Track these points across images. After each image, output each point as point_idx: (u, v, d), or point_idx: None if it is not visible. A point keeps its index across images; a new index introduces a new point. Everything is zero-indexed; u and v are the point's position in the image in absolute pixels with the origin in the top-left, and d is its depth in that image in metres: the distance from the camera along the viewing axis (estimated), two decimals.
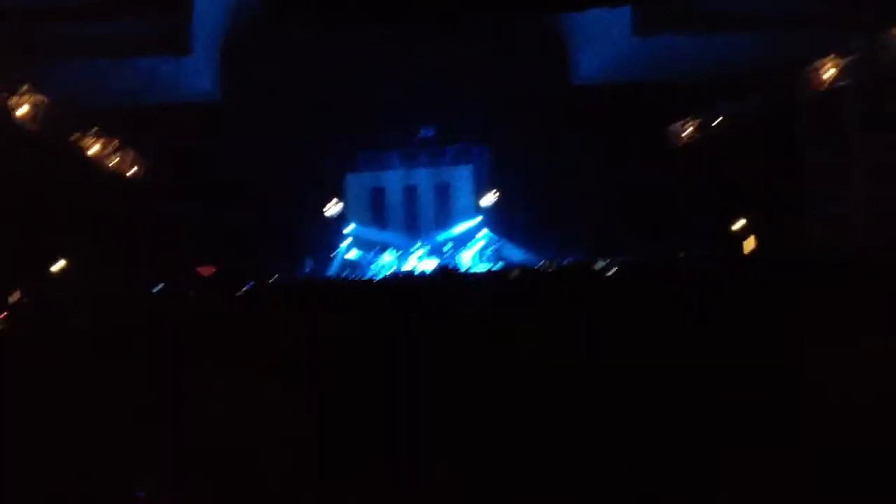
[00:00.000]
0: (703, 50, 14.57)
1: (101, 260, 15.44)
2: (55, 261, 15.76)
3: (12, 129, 13.96)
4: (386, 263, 20.31)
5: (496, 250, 20.51)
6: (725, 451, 2.82)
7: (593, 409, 3.22)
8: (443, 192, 21.63)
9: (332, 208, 20.88)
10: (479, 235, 20.84)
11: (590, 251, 16.08)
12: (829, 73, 14.72)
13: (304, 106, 17.43)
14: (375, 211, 21.59)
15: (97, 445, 3.19)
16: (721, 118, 17.22)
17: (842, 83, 14.63)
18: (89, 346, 4.57)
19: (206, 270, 17.09)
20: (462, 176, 21.63)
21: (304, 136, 18.00)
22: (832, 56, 14.65)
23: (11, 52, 13.06)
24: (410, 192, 21.58)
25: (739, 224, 17.23)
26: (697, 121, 18.17)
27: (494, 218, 20.92)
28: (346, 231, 20.99)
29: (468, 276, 12.35)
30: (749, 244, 16.73)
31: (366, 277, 18.35)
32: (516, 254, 20.09)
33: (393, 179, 21.58)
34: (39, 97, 14.34)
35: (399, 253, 20.57)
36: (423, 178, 21.55)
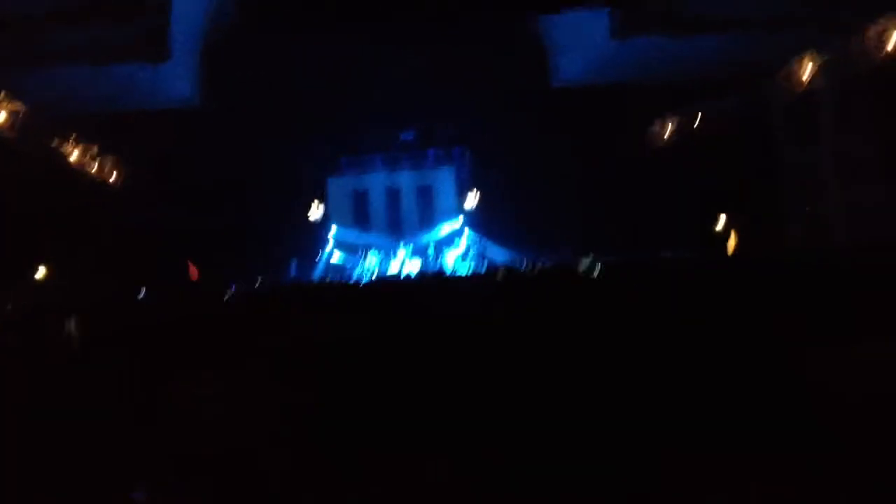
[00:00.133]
0: (682, 52, 14.68)
1: (82, 267, 15.34)
2: (37, 268, 15.65)
3: None
4: (370, 266, 20.32)
5: (480, 251, 20.57)
6: (714, 450, 2.85)
7: (582, 409, 3.25)
8: (425, 195, 21.68)
9: (315, 212, 20.88)
10: (462, 237, 20.92)
11: (572, 251, 16.16)
12: (806, 73, 14.88)
13: (285, 110, 17.39)
14: (358, 214, 21.61)
15: (89, 452, 3.19)
16: (700, 119, 17.35)
17: (819, 84, 14.78)
18: (78, 352, 4.56)
19: (193, 271, 17.04)
20: (444, 178, 21.70)
21: (285, 141, 17.98)
22: (809, 56, 14.80)
23: None
24: (393, 195, 21.62)
25: (719, 224, 17.37)
26: (677, 122, 18.30)
27: (477, 219, 20.99)
28: (329, 234, 21.00)
29: (453, 278, 12.39)
30: (731, 244, 16.87)
31: (350, 280, 18.37)
32: (500, 254, 20.16)
33: (375, 182, 21.61)
34: (17, 105, 14.24)
35: (382, 255, 20.59)
36: (405, 180, 21.59)
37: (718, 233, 17.34)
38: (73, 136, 16.28)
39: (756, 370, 3.34)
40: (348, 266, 20.62)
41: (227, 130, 16.90)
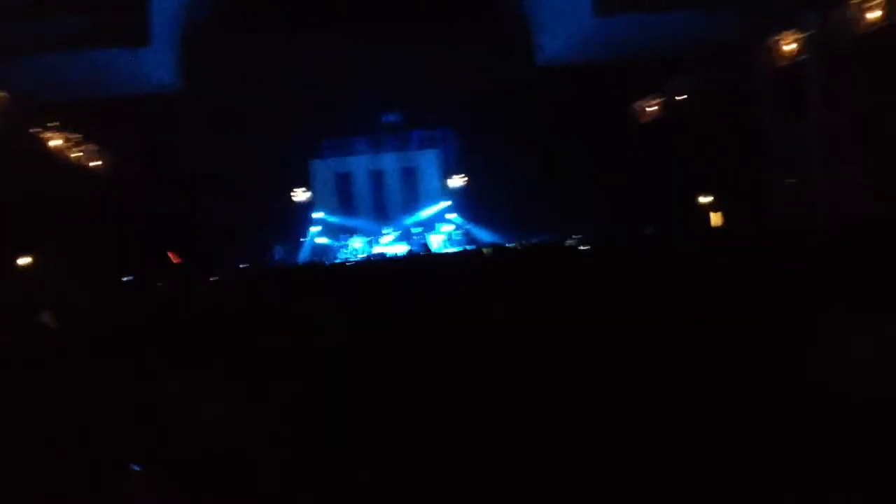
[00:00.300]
0: (663, 28, 14.69)
1: (65, 254, 15.24)
2: (20, 257, 15.55)
3: None
4: (355, 248, 20.33)
5: (464, 233, 20.61)
6: (702, 430, 2.86)
7: (571, 386, 3.27)
8: (409, 177, 21.67)
9: (300, 195, 20.85)
10: (447, 218, 20.95)
11: (557, 230, 16.22)
12: (788, 47, 14.94)
13: (268, 94, 17.30)
14: (343, 196, 21.59)
15: (82, 450, 3.18)
16: (684, 95, 17.40)
17: (801, 57, 14.85)
18: (66, 344, 4.54)
19: (174, 257, 16.99)
20: (428, 160, 21.70)
21: (269, 125, 17.89)
22: (792, 31, 14.86)
23: None
24: (377, 177, 21.59)
25: (704, 200, 17.45)
26: (661, 98, 18.34)
27: (462, 201, 21.02)
28: (314, 217, 20.98)
29: (439, 257, 12.40)
30: (716, 220, 16.96)
31: (336, 262, 18.34)
32: (484, 236, 20.20)
33: (359, 165, 21.57)
34: None
35: (367, 238, 20.59)
36: (389, 162, 21.57)
37: (703, 208, 17.43)
38: (55, 123, 16.14)
39: (741, 346, 3.36)
40: (334, 248, 20.61)
41: (209, 115, 16.79)
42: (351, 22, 16.42)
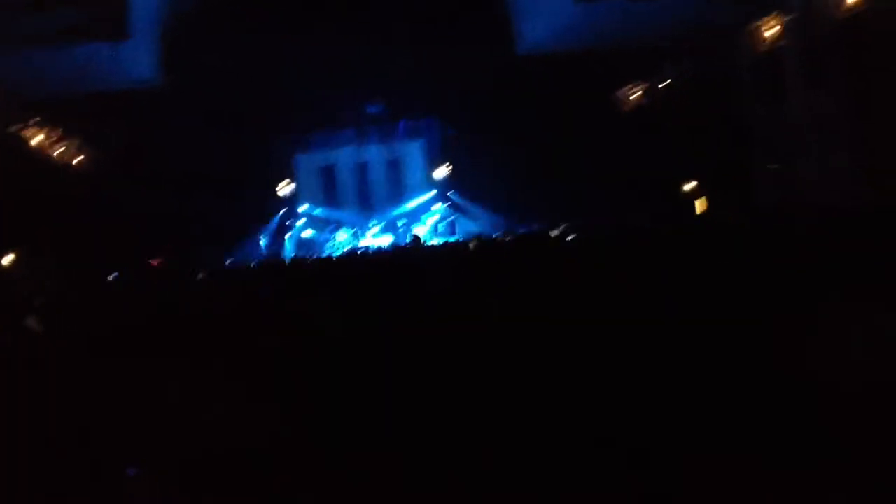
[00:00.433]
0: (646, 14, 14.70)
1: (47, 252, 15.14)
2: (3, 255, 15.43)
3: None
4: (341, 241, 20.27)
5: (450, 224, 20.59)
6: (702, 430, 2.87)
7: (571, 386, 3.27)
8: (394, 168, 21.60)
9: (284, 188, 20.76)
10: (433, 209, 20.92)
11: (544, 220, 16.22)
12: (770, 32, 14.97)
13: (250, 88, 17.18)
14: (328, 189, 21.49)
15: (76, 450, 3.17)
16: (667, 82, 17.41)
17: (783, 42, 14.88)
18: (58, 344, 4.51)
19: (155, 261, 16.89)
20: (413, 151, 21.63)
21: (251, 118, 17.79)
22: (773, 15, 14.89)
23: None
24: (362, 169, 21.51)
25: (689, 187, 17.50)
26: (644, 85, 18.34)
27: (447, 191, 20.99)
28: (299, 210, 20.91)
29: (426, 250, 12.40)
30: (700, 206, 17.01)
31: (322, 256, 18.29)
32: (470, 226, 20.20)
33: (344, 157, 21.47)
34: None
35: (353, 230, 20.54)
36: (373, 154, 21.48)
37: (688, 195, 17.48)
38: (35, 119, 15.98)
39: (740, 346, 3.37)
40: (320, 242, 20.55)
41: (190, 110, 16.67)
42: (333, 13, 16.33)
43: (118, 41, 14.26)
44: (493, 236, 15.93)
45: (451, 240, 18.90)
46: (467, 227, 20.23)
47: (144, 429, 3.18)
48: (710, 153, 16.28)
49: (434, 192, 21.09)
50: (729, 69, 16.38)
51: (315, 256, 18.28)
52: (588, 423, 2.94)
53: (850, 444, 2.47)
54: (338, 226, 20.69)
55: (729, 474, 2.40)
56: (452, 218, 20.67)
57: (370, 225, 20.58)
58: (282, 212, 20.67)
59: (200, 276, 9.11)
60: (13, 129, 15.58)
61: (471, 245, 10.64)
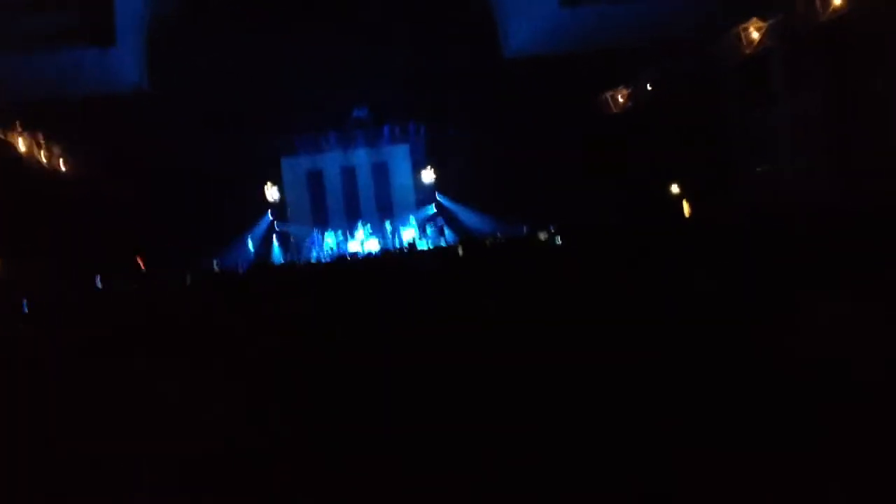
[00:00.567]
0: (630, 17, 14.77)
1: (36, 257, 15.04)
2: None
3: None
4: (329, 245, 20.23)
5: (438, 227, 20.59)
6: (701, 430, 2.88)
7: (572, 385, 3.29)
8: (381, 172, 21.59)
9: (271, 192, 20.71)
10: (420, 213, 20.93)
11: (531, 222, 16.27)
12: (754, 35, 15.07)
13: (236, 92, 17.15)
14: (315, 193, 21.45)
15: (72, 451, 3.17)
16: (652, 85, 17.50)
17: (767, 45, 14.98)
18: (53, 347, 4.51)
19: (142, 263, 16.84)
20: (399, 155, 21.62)
21: (238, 123, 17.76)
22: (756, 18, 14.99)
23: None
24: (349, 174, 21.48)
25: (675, 188, 17.57)
26: (629, 88, 18.43)
27: (434, 195, 21.01)
28: (285, 215, 20.87)
29: (413, 253, 12.42)
30: (686, 208, 17.08)
31: (311, 260, 18.28)
32: (458, 229, 20.21)
33: (330, 161, 21.44)
34: None
35: (340, 234, 20.50)
36: (360, 158, 21.46)
37: (674, 197, 17.54)
38: (18, 122, 15.88)
39: (739, 345, 3.39)
40: (307, 246, 20.50)
41: (177, 114, 16.62)
42: (318, 17, 16.33)
43: (105, 46, 14.21)
44: (482, 238, 15.97)
45: (442, 243, 18.95)
46: (455, 230, 20.23)
47: (144, 429, 3.19)
48: (695, 154, 16.35)
49: (421, 195, 21.10)
50: (714, 71, 16.47)
51: (303, 261, 18.28)
52: (588, 423, 2.96)
53: (848, 443, 2.50)
54: (324, 230, 20.64)
55: (728, 474, 2.43)
56: (440, 221, 20.67)
57: (357, 229, 20.53)
58: (269, 215, 20.63)
59: (189, 279, 9.11)
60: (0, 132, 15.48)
61: (459, 248, 10.68)
